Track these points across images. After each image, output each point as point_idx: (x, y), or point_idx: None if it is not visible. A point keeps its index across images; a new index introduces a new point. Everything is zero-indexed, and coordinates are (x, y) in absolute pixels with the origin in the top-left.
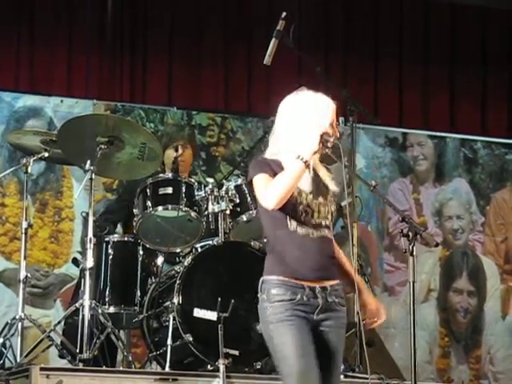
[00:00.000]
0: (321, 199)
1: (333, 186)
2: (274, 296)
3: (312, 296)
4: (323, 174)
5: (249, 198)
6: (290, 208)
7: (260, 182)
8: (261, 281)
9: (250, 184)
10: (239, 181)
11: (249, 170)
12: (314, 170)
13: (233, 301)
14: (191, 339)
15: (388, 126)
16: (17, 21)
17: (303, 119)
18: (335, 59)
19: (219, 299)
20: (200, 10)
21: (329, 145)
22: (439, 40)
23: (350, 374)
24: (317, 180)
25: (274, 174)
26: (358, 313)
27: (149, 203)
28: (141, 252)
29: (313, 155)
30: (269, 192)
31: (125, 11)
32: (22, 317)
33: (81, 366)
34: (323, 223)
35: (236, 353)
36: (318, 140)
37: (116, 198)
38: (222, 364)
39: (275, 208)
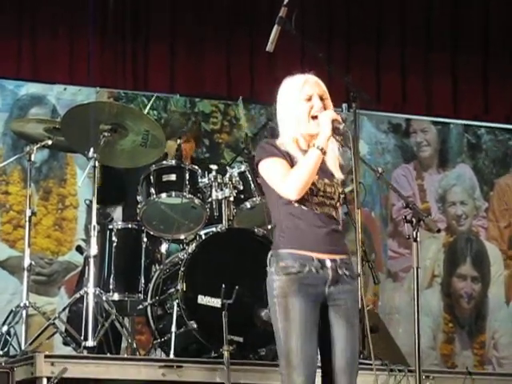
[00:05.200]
0: (326, 180)
1: (338, 174)
2: (282, 269)
3: (321, 267)
4: (332, 159)
5: (252, 185)
6: None
7: (274, 166)
8: (269, 254)
9: (256, 165)
10: (243, 167)
11: (256, 152)
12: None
13: (237, 287)
14: (195, 326)
15: (391, 112)
16: (18, 9)
17: (285, 107)
18: (338, 45)
19: (223, 286)
20: None
21: (340, 131)
22: (441, 25)
23: None
24: (323, 162)
25: (284, 158)
26: (361, 298)
27: (152, 190)
28: (145, 239)
29: (327, 141)
30: (289, 183)
31: None
32: (27, 304)
33: (85, 353)
34: (327, 202)
35: (240, 339)
36: (329, 126)
37: None
38: (226, 351)
39: (297, 198)
